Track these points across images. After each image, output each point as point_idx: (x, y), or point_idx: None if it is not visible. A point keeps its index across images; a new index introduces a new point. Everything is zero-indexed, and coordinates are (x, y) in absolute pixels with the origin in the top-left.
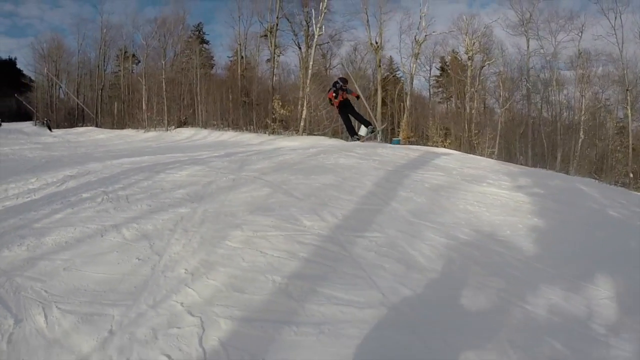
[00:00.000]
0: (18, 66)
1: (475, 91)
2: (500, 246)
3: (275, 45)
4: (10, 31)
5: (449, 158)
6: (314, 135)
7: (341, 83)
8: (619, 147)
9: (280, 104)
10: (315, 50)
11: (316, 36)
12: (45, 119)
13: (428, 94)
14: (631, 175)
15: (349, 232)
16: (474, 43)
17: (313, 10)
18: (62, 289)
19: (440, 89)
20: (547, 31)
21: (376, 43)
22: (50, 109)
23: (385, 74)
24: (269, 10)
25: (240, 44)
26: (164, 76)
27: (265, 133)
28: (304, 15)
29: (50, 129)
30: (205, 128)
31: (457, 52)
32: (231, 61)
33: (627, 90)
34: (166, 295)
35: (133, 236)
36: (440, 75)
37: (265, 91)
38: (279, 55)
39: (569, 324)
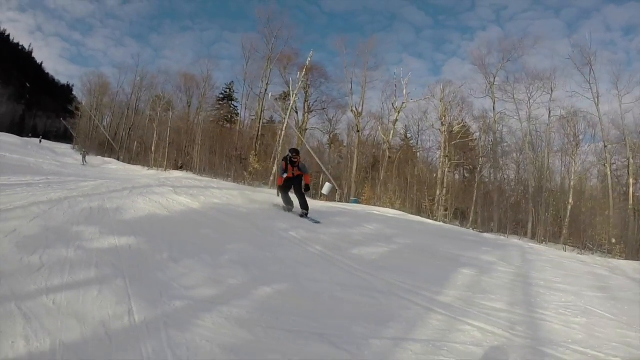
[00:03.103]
0: (74, 92)
1: (446, 156)
2: (116, 214)
3: (285, 109)
4: (76, 59)
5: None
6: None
7: (291, 155)
8: (601, 211)
9: (257, 159)
10: (305, 115)
11: (291, 102)
12: (84, 150)
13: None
14: (613, 240)
15: (74, 199)
16: (445, 109)
17: (290, 78)
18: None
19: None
20: (524, 92)
21: (357, 110)
22: (88, 138)
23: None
24: (261, 77)
25: (242, 104)
26: (169, 125)
27: (235, 182)
28: (304, 84)
29: (84, 160)
30: (194, 173)
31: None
32: (252, 119)
33: (605, 147)
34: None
35: (39, 196)
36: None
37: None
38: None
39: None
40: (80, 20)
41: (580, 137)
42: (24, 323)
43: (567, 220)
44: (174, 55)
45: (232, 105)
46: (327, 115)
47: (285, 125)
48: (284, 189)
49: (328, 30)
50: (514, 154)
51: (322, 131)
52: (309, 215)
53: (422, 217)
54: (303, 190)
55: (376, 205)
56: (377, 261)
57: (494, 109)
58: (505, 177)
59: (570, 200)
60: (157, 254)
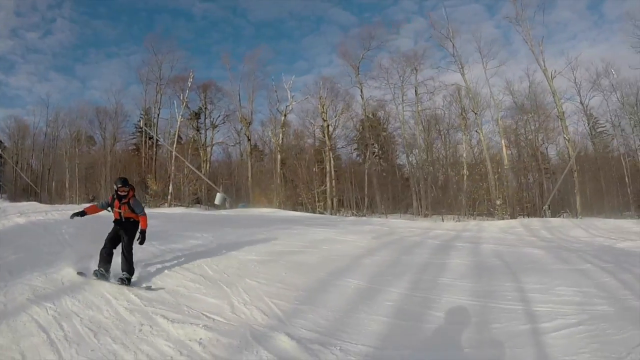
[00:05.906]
0: None
1: (330, 149)
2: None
3: (195, 127)
4: None
5: None
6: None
7: (116, 186)
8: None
9: (154, 182)
10: (206, 131)
11: (178, 122)
12: None
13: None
14: (498, 202)
15: None
16: (323, 105)
17: (175, 101)
18: None
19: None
20: (396, 76)
21: (246, 119)
22: (14, 184)
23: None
24: (154, 103)
25: (144, 128)
26: (77, 161)
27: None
28: (202, 102)
29: None
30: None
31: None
32: (168, 143)
33: (475, 113)
34: None
35: None
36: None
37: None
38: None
39: None
40: (0, 58)
41: (467, 112)
42: None
43: (461, 192)
44: (101, 84)
45: (148, 132)
46: (235, 128)
47: (175, 145)
48: (113, 235)
49: (257, 40)
50: (399, 138)
51: (228, 144)
52: (132, 281)
53: (299, 210)
54: (138, 242)
55: (258, 207)
56: (86, 236)
57: (362, 97)
58: (397, 161)
59: (466, 172)
60: None
